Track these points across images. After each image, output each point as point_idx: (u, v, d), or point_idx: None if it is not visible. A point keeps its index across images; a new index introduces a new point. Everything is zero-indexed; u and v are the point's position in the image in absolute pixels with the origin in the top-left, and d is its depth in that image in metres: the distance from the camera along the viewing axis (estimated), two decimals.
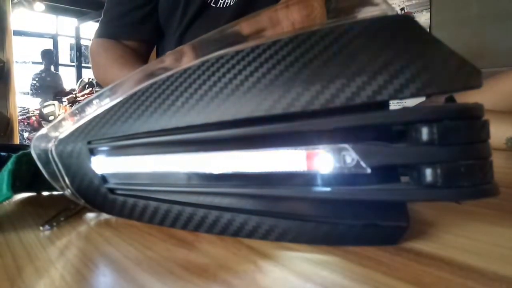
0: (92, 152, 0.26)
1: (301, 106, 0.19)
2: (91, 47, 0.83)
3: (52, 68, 5.44)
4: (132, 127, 0.24)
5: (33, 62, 5.75)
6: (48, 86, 5.14)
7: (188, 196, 0.24)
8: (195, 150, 0.23)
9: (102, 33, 0.81)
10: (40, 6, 4.95)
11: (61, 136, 0.27)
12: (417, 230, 0.22)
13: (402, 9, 2.09)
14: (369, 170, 0.19)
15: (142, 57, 0.79)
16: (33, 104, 4.77)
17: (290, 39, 0.21)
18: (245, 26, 0.25)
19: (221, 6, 0.78)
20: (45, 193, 0.37)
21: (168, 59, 0.27)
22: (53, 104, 4.34)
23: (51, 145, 0.27)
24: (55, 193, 0.36)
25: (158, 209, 0.25)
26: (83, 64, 5.90)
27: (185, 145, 0.24)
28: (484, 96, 0.67)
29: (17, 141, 2.34)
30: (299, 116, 0.19)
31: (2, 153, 0.36)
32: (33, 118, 4.48)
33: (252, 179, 0.22)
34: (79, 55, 6.03)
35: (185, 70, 0.24)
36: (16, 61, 2.41)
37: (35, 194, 0.37)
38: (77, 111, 0.28)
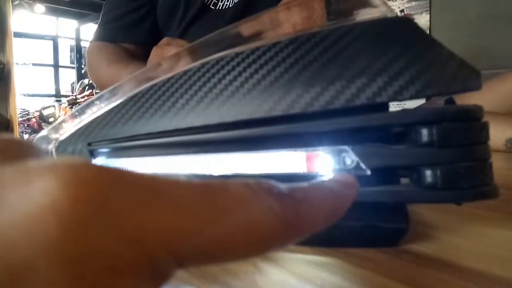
0: (93, 153, 0.26)
1: (301, 107, 0.19)
2: (87, 50, 0.83)
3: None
4: (132, 129, 0.24)
5: (33, 64, 5.76)
6: None
7: None
8: (195, 151, 0.23)
9: (98, 36, 0.82)
10: (40, 8, 4.96)
11: (62, 137, 0.27)
12: (417, 232, 0.22)
13: (402, 11, 2.10)
14: (369, 172, 0.19)
15: (139, 59, 0.80)
16: (33, 106, 4.78)
17: (290, 41, 0.21)
18: (245, 28, 0.25)
19: (220, 8, 0.78)
20: None
21: (167, 62, 0.27)
22: (53, 106, 4.35)
23: (51, 147, 0.27)
24: None
25: None
26: (83, 66, 5.90)
27: (185, 146, 0.24)
28: (483, 97, 0.67)
29: None
30: (299, 118, 0.19)
31: None
32: (33, 120, 4.48)
33: None
34: (79, 56, 6.04)
35: (185, 72, 0.24)
36: (16, 63, 2.41)
37: None
38: (77, 113, 0.28)
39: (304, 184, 0.11)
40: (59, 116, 3.97)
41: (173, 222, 0.08)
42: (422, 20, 1.98)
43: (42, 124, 4.28)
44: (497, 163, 0.22)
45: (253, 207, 0.09)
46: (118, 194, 0.08)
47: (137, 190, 0.09)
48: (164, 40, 0.56)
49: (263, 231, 0.09)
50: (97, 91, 3.67)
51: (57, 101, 5.36)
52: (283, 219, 0.10)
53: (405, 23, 0.20)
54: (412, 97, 0.18)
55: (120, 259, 0.08)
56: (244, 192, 0.10)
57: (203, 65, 0.23)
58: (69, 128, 0.27)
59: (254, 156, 0.21)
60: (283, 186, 0.11)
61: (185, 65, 0.24)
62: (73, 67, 6.20)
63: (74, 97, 4.60)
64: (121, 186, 0.08)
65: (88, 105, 0.28)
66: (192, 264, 0.09)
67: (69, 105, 4.55)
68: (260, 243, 0.09)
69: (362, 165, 0.19)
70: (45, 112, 4.28)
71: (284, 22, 0.27)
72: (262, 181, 0.10)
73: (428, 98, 0.19)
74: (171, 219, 0.08)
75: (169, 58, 0.27)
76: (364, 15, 0.21)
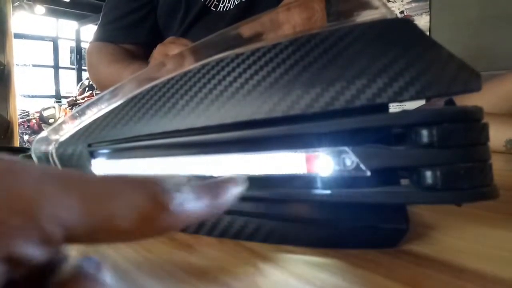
0: (93, 154, 0.26)
1: (301, 109, 0.19)
2: (87, 50, 0.84)
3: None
4: (132, 130, 0.24)
5: (34, 65, 5.76)
6: None
7: None
8: (195, 152, 0.23)
9: (99, 37, 0.82)
10: (40, 9, 4.95)
11: (62, 138, 0.27)
12: (416, 232, 0.22)
13: (401, 12, 2.10)
14: (369, 173, 0.19)
15: (140, 59, 0.80)
16: (33, 107, 4.77)
17: (290, 42, 0.21)
18: (245, 29, 0.25)
19: (221, 10, 0.78)
20: None
21: (168, 62, 0.28)
22: (53, 107, 4.35)
23: (51, 148, 0.27)
24: None
25: None
26: (83, 67, 5.90)
27: (185, 147, 0.24)
28: (483, 98, 0.67)
29: (17, 144, 2.34)
30: (299, 119, 0.19)
31: None
32: (33, 121, 4.48)
33: (252, 182, 0.22)
34: (79, 58, 6.04)
35: (185, 73, 0.24)
36: (16, 64, 2.41)
37: None
38: (77, 114, 0.28)
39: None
40: (59, 117, 3.97)
41: (62, 200, 0.11)
42: (422, 22, 1.99)
43: (42, 125, 4.28)
44: (497, 164, 0.22)
45: (136, 196, 0.12)
46: (14, 178, 0.10)
47: (32, 174, 0.11)
48: (169, 38, 0.56)
49: (143, 216, 0.12)
50: (97, 92, 3.67)
51: (57, 102, 5.35)
52: (163, 208, 0.12)
53: (405, 24, 0.20)
54: (412, 98, 0.18)
55: (10, 226, 0.10)
56: (132, 184, 0.12)
57: (203, 66, 0.23)
58: (69, 129, 0.28)
59: (254, 157, 0.21)
60: (170, 181, 0.13)
61: (186, 66, 0.24)
62: (73, 68, 6.20)
63: (74, 98, 4.60)
64: (18, 171, 0.11)
65: (88, 106, 0.28)
66: (82, 240, 0.11)
67: (69, 106, 4.54)
68: (140, 226, 0.12)
69: (362, 166, 0.19)
70: (45, 113, 4.28)
71: (284, 23, 0.27)
72: (154, 177, 0.13)
73: (428, 99, 0.19)
74: (61, 198, 0.11)
75: (170, 58, 0.27)
76: (364, 16, 0.21)
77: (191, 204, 0.13)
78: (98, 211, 0.11)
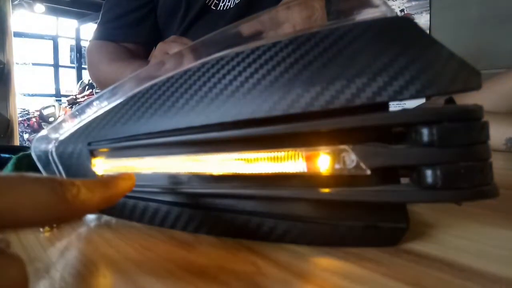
0: (92, 153, 0.26)
1: (301, 107, 0.19)
2: (87, 49, 0.83)
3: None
4: (132, 129, 0.24)
5: (33, 64, 5.75)
6: None
7: (188, 198, 0.24)
8: (195, 151, 0.23)
9: (98, 35, 0.82)
10: (40, 8, 4.95)
11: (62, 137, 0.27)
12: (416, 231, 0.22)
13: (402, 10, 2.09)
14: (369, 172, 0.19)
15: (140, 58, 0.80)
16: (33, 105, 4.77)
17: (290, 40, 0.21)
18: (245, 27, 0.25)
19: (221, 9, 0.78)
20: None
21: (168, 60, 0.27)
22: (53, 106, 4.34)
23: (51, 147, 0.27)
24: None
25: (158, 210, 0.25)
26: (83, 66, 5.89)
27: (185, 146, 0.24)
28: (483, 97, 0.67)
29: (17, 142, 2.34)
30: (299, 118, 0.19)
31: (3, 155, 0.36)
32: (33, 119, 4.48)
33: (252, 181, 0.22)
34: (79, 56, 6.03)
35: (185, 72, 0.24)
36: (16, 63, 2.41)
37: None
38: (77, 113, 0.28)
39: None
40: (59, 116, 3.97)
41: None
42: (422, 20, 1.98)
43: (42, 123, 4.28)
44: (497, 162, 0.22)
45: (37, 188, 0.13)
46: None
47: None
48: (171, 37, 0.56)
49: (43, 206, 0.13)
50: (97, 90, 3.67)
51: (57, 100, 5.35)
52: (60, 198, 0.14)
53: (405, 22, 0.20)
54: (412, 97, 0.18)
55: None
56: (33, 179, 0.14)
57: (203, 64, 0.23)
58: (69, 127, 0.27)
59: (254, 156, 0.21)
60: (74, 180, 0.15)
61: (186, 64, 0.24)
62: (73, 67, 6.19)
63: (74, 97, 4.60)
64: None
65: (88, 105, 0.28)
66: None
67: (69, 104, 4.54)
68: (41, 215, 0.13)
69: (362, 165, 0.19)
70: (45, 112, 4.28)
71: (284, 22, 0.27)
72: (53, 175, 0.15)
73: (428, 97, 0.19)
74: None
75: (170, 57, 0.27)
76: (364, 14, 0.21)
77: (85, 196, 0.15)
78: (1, 202, 0.12)
